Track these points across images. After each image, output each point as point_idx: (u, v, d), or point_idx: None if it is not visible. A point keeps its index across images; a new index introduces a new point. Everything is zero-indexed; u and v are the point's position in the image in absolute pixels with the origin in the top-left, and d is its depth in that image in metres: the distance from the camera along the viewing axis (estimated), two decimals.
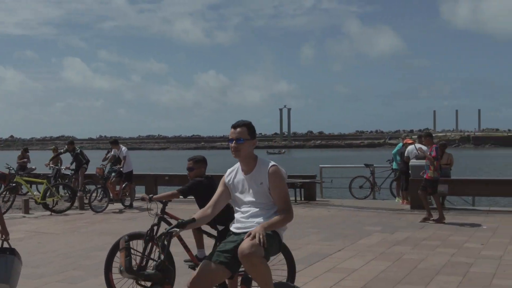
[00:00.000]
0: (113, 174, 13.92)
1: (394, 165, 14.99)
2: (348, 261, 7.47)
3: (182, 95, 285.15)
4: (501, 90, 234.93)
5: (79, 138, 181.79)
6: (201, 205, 5.50)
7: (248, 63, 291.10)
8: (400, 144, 14.69)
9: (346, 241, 9.04)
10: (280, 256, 4.82)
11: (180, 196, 5.80)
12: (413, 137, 17.65)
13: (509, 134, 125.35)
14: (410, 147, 13.88)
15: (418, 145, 13.85)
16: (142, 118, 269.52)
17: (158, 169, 38.05)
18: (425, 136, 14.00)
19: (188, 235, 5.32)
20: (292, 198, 15.12)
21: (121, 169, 13.86)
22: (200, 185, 5.82)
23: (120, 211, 13.39)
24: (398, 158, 14.49)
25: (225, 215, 4.47)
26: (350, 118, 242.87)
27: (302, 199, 15.37)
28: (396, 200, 14.97)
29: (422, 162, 13.21)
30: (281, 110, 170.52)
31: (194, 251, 5.95)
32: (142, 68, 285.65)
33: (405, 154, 13.91)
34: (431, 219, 11.08)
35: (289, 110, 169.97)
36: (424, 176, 11.46)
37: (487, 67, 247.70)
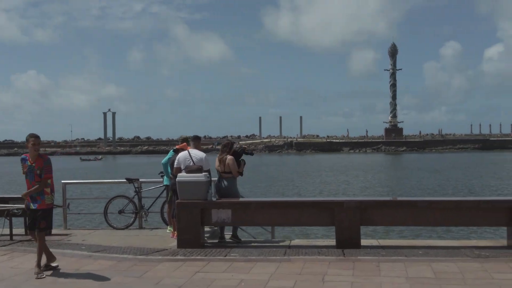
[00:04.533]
0: None
1: (166, 180, 10.43)
2: None
3: None
4: (320, 99, 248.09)
5: None
6: None
7: (73, 64, 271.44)
8: (172, 151, 10.18)
9: None
10: None
11: None
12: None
13: (327, 140, 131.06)
14: (181, 154, 9.41)
15: (193, 151, 9.46)
16: None
17: None
18: (193, 140, 9.69)
19: None
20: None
21: None
22: None
23: None
24: (170, 170, 9.96)
25: None
26: (179, 123, 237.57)
27: (28, 232, 10.10)
28: (167, 230, 10.42)
29: (196, 176, 8.80)
30: (105, 114, 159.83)
31: None
32: None
33: (175, 164, 9.42)
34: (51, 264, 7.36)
35: (113, 114, 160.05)
36: (35, 206, 7.26)
37: (308, 77, 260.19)
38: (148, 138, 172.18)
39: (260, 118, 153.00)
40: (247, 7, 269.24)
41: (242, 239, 9.57)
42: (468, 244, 8.81)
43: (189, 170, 8.87)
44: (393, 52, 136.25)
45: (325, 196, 24.58)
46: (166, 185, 10.41)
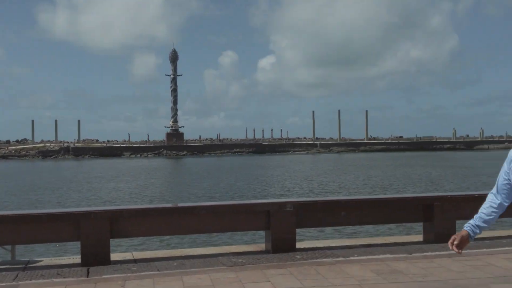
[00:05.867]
0: None
1: None
2: None
3: None
4: (100, 102, 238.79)
5: None
6: None
7: None
8: None
9: None
10: None
11: None
12: None
13: (108, 145, 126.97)
14: None
15: None
16: None
17: None
18: None
19: None
20: None
21: None
22: None
23: None
24: None
25: None
26: None
27: None
28: None
29: None
30: None
31: None
32: None
33: None
34: None
35: None
36: None
37: (87, 79, 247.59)
38: None
39: (33, 121, 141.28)
40: (18, 1, 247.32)
41: None
42: (228, 251, 8.38)
43: None
44: (173, 58, 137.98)
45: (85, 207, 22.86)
46: None
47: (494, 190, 3.56)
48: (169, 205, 9.08)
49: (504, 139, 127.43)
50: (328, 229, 13.93)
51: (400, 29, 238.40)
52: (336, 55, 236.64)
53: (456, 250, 3.45)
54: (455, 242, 3.44)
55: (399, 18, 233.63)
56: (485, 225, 3.50)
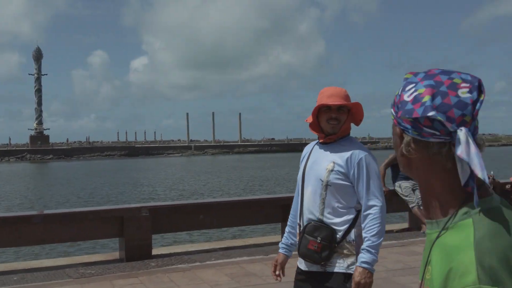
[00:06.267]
0: None
1: None
2: None
3: None
4: None
5: None
6: None
7: None
8: None
9: None
10: None
11: None
12: None
13: None
14: None
15: None
16: None
17: None
18: None
19: None
20: None
21: None
22: None
23: None
24: None
25: None
26: None
27: None
28: None
29: None
30: None
31: None
32: None
33: None
34: None
35: None
36: None
37: None
38: None
39: None
40: None
41: None
42: (80, 261, 7.81)
43: None
44: (37, 56, 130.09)
45: None
46: None
47: (296, 193, 3.30)
48: (3, 214, 8.31)
49: (366, 140, 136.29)
50: (194, 233, 13.71)
51: (271, 34, 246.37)
52: (209, 58, 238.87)
53: (279, 280, 3.14)
54: (277, 272, 3.13)
55: (269, 24, 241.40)
56: (296, 240, 3.20)
